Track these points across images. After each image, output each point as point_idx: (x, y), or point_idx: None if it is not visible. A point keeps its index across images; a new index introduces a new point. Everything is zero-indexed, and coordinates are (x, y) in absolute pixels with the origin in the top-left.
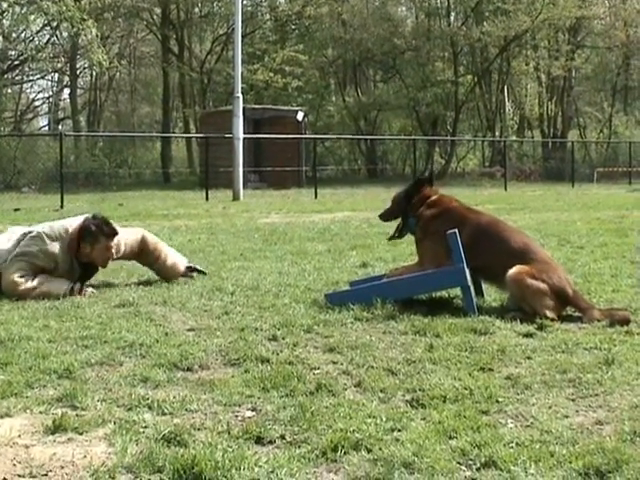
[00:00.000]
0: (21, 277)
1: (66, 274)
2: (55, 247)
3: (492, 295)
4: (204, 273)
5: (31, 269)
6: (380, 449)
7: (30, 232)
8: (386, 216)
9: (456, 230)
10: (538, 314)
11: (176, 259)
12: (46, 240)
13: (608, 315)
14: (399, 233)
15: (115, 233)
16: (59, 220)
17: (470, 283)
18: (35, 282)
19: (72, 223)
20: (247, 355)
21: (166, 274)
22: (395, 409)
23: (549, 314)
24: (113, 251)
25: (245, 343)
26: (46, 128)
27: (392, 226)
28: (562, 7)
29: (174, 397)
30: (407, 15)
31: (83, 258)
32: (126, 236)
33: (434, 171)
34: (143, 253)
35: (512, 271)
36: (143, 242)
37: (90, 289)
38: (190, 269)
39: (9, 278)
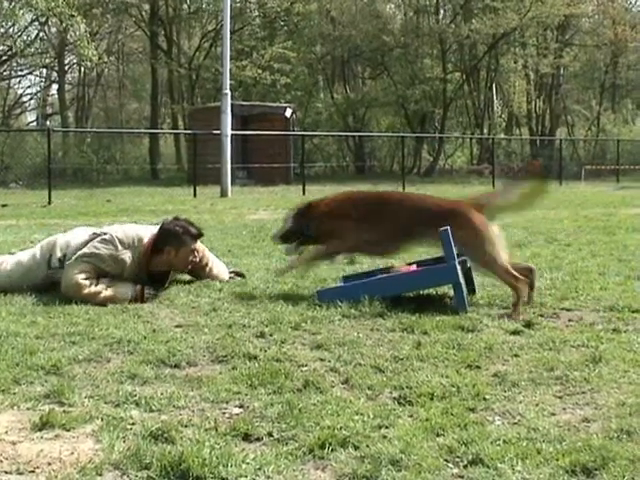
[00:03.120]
0: (86, 279)
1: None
2: (126, 255)
3: (480, 293)
4: (244, 276)
5: (95, 272)
6: (367, 446)
7: (103, 234)
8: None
9: (448, 227)
10: None
11: (220, 267)
12: (118, 246)
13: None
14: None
15: (202, 234)
16: (132, 225)
17: (462, 280)
18: (100, 287)
19: (146, 232)
20: (235, 352)
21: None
22: (382, 406)
23: None
24: (197, 254)
25: (233, 340)
26: (34, 124)
27: None
28: (550, 5)
29: (162, 394)
30: (396, 12)
31: (161, 266)
32: None
33: (421, 169)
34: (198, 268)
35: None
36: (202, 262)
37: (149, 291)
38: (235, 274)
39: (73, 279)
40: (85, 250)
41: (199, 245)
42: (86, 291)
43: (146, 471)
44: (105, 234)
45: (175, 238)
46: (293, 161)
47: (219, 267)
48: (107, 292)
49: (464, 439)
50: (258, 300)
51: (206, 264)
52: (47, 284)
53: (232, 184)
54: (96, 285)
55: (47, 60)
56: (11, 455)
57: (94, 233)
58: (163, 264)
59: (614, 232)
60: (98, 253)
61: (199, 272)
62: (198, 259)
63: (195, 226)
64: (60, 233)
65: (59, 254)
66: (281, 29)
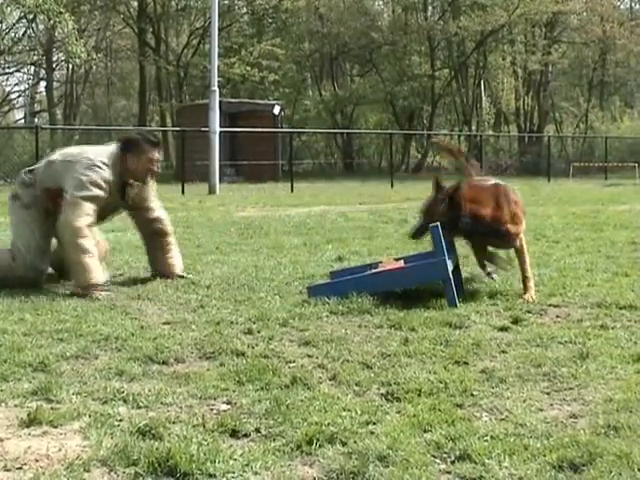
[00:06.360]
0: (88, 226)
1: (112, 201)
2: (108, 173)
3: (469, 289)
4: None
5: (95, 211)
6: (355, 442)
7: (78, 160)
8: (421, 232)
9: (438, 223)
10: None
11: (179, 260)
12: (104, 168)
13: None
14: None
15: (159, 143)
16: (90, 147)
17: (451, 276)
18: (92, 248)
19: (110, 148)
20: (222, 348)
21: (163, 269)
22: (370, 402)
23: None
24: (157, 165)
25: (220, 336)
26: (22, 121)
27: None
28: (539, 2)
29: (149, 390)
30: (384, 9)
31: (127, 176)
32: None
33: (409, 166)
34: (157, 236)
35: None
36: (163, 224)
37: (105, 293)
38: (181, 277)
39: (76, 222)
40: (83, 178)
41: (160, 214)
42: (80, 242)
43: (134, 467)
44: (86, 160)
45: (135, 146)
46: (281, 158)
47: (178, 259)
48: (91, 259)
49: (452, 435)
50: (246, 297)
51: (150, 207)
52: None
53: (220, 181)
54: (90, 243)
55: (35, 57)
56: None
57: (70, 161)
58: (129, 174)
59: (602, 229)
60: (93, 181)
61: (142, 213)
62: (157, 169)
63: (154, 135)
64: None
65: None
66: (269, 26)
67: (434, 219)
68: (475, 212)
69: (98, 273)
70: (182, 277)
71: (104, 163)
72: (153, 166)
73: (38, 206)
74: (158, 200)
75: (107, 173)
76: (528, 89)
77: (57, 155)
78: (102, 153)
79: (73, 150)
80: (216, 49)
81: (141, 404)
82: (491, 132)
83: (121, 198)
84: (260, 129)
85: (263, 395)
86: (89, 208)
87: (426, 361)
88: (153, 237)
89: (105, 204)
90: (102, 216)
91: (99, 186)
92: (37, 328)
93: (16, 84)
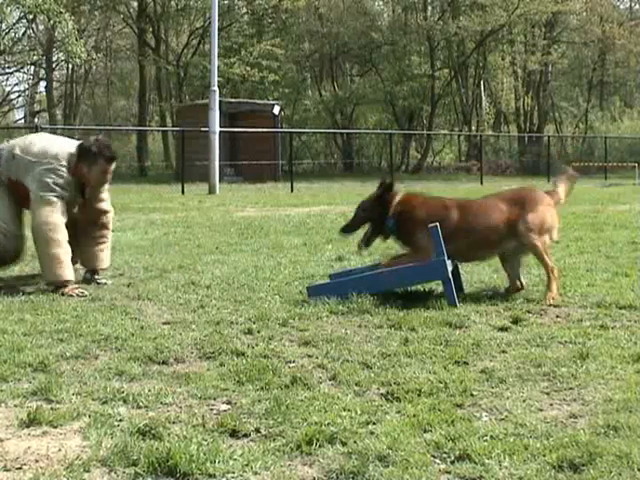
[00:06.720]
0: (62, 223)
1: (73, 199)
2: (69, 177)
3: (468, 289)
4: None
5: (64, 208)
6: (355, 442)
7: (46, 162)
8: (353, 227)
9: (437, 223)
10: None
11: (107, 256)
12: (64, 170)
13: None
14: (367, 241)
15: (114, 158)
16: (50, 142)
17: (450, 276)
18: (65, 242)
19: (70, 148)
20: (222, 348)
21: (88, 261)
22: (370, 402)
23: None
24: (109, 176)
25: (220, 337)
26: (22, 121)
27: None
28: (538, 2)
29: (149, 390)
30: (384, 9)
31: (81, 179)
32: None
33: (409, 166)
34: (95, 227)
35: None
36: (107, 218)
37: (78, 291)
38: (95, 273)
39: (50, 217)
40: (46, 181)
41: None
42: (55, 236)
43: (133, 467)
44: (46, 163)
45: (89, 156)
46: (281, 158)
47: (108, 254)
48: (64, 255)
49: (451, 435)
50: (246, 297)
51: (100, 198)
52: None
53: (220, 181)
54: (62, 235)
55: (35, 57)
56: None
57: (31, 162)
58: (80, 177)
59: (602, 229)
60: (58, 183)
61: (91, 201)
62: (108, 181)
63: (110, 149)
64: None
65: None
66: (269, 26)
67: (365, 215)
68: (400, 217)
69: (69, 270)
70: (96, 274)
71: (63, 166)
72: (105, 179)
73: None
74: (108, 193)
75: (68, 176)
76: (528, 89)
77: (18, 149)
78: (62, 155)
79: (33, 146)
80: (216, 49)
81: (141, 404)
82: (491, 132)
83: (81, 196)
84: (260, 129)
85: (263, 395)
86: (59, 206)
87: (426, 361)
88: (91, 227)
89: (69, 201)
90: (67, 212)
91: (63, 188)
92: (37, 328)
93: (16, 84)
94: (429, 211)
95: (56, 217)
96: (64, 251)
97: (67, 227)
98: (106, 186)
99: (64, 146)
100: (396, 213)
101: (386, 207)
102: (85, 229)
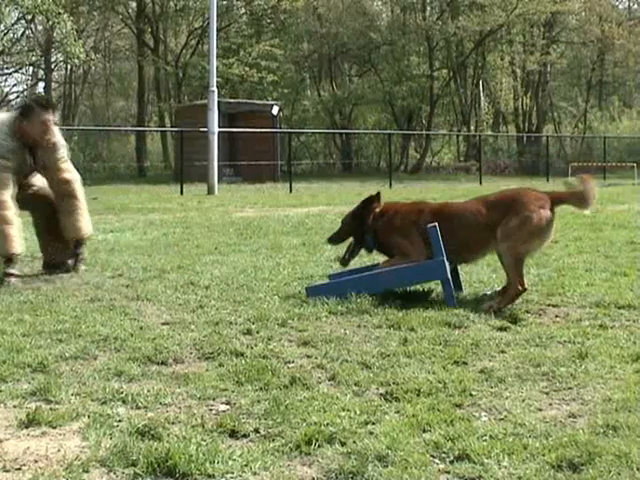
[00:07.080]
0: (8, 197)
1: (25, 167)
2: (12, 143)
3: (467, 289)
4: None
5: (11, 181)
6: (354, 442)
7: None
8: (339, 239)
9: (436, 224)
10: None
11: (85, 223)
12: (4, 137)
13: None
14: (350, 254)
15: (51, 105)
16: None
17: (449, 276)
18: (15, 219)
19: (9, 115)
20: (221, 349)
21: (69, 233)
22: (369, 402)
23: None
24: (50, 126)
25: (219, 337)
26: None
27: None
28: (537, 2)
29: (148, 391)
30: (382, 9)
31: (28, 140)
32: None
33: (408, 166)
34: (66, 198)
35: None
36: (71, 186)
37: (14, 279)
38: (79, 245)
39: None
40: None
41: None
42: (2, 213)
43: (133, 468)
44: None
45: (26, 109)
46: (280, 158)
47: (87, 221)
48: (12, 229)
49: (451, 435)
50: (245, 297)
51: (60, 168)
52: None
53: (219, 181)
54: (10, 212)
55: (33, 58)
56: None
57: None
58: (28, 138)
59: (601, 229)
60: (1, 154)
61: (52, 174)
62: (52, 133)
63: (46, 99)
64: None
65: None
66: (268, 26)
67: (347, 230)
68: (376, 230)
69: (18, 243)
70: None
71: (5, 133)
72: (46, 128)
73: None
74: (69, 162)
75: (10, 143)
76: (527, 89)
77: None
78: (1, 124)
79: None
80: (215, 49)
81: (140, 404)
82: (490, 132)
83: (33, 162)
84: (259, 129)
85: (262, 395)
86: (6, 179)
87: (425, 361)
88: (63, 199)
89: (19, 170)
90: (18, 181)
91: (6, 158)
92: (36, 329)
93: (15, 85)
94: (403, 216)
95: (3, 194)
96: (9, 225)
97: (45, 208)
98: (61, 155)
99: (2, 115)
100: (372, 228)
101: (364, 222)
102: (60, 203)
